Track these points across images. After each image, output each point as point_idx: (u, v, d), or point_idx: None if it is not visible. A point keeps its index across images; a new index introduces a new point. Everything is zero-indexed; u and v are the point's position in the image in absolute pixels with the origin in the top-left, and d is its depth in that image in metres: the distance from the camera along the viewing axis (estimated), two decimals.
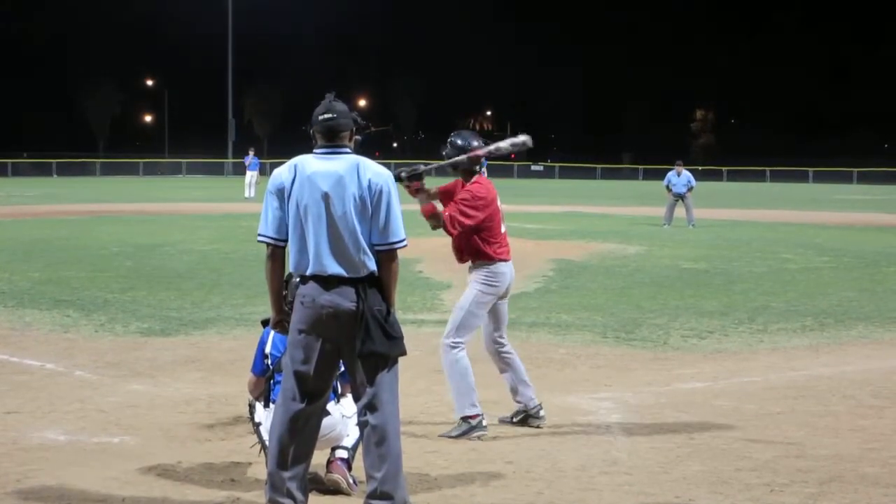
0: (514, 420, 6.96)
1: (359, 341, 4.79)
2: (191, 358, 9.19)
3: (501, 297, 6.88)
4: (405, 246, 4.92)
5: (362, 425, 4.92)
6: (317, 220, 4.84)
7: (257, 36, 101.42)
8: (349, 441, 5.49)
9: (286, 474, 4.87)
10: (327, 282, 4.83)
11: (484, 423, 6.64)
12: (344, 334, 4.83)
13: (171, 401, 7.54)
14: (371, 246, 4.87)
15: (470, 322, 6.77)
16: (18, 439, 6.46)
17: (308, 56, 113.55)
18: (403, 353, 4.91)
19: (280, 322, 5.10)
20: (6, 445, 6.30)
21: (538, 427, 6.87)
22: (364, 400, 4.89)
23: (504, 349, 6.99)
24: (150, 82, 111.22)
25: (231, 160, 77.11)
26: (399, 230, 4.90)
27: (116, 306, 12.07)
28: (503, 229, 6.89)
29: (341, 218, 4.82)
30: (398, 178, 6.38)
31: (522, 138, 6.82)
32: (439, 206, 6.79)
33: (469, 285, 6.84)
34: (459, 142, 6.85)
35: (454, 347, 6.70)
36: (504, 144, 6.86)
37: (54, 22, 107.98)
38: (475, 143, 6.82)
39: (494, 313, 6.92)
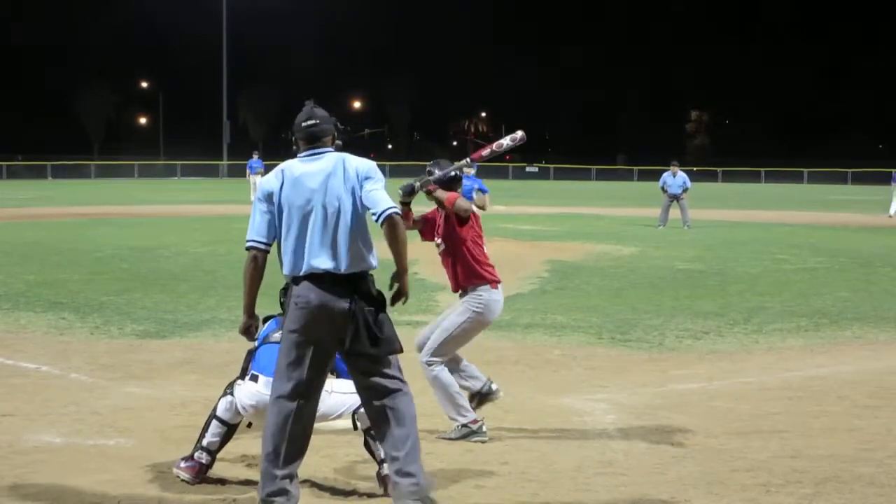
0: (474, 405, 6.77)
1: (349, 340, 4.85)
2: (186, 360, 9.20)
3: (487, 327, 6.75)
4: (398, 212, 4.92)
5: (378, 410, 4.98)
6: (309, 220, 4.91)
7: (252, 38, 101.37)
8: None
9: (279, 472, 4.90)
10: (321, 280, 4.89)
11: (484, 428, 6.61)
12: (336, 333, 4.88)
13: (167, 403, 7.55)
14: (367, 240, 4.94)
15: (451, 346, 6.68)
16: (14, 442, 6.45)
17: (303, 58, 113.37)
18: (395, 351, 4.97)
19: (248, 328, 5.15)
20: (1, 448, 6.30)
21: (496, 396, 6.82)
22: (369, 392, 4.99)
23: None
24: (144, 84, 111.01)
25: (226, 162, 76.98)
26: (388, 199, 4.95)
27: (112, 309, 12.06)
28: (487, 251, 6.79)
29: (333, 215, 4.91)
30: (412, 191, 6.37)
31: (520, 133, 6.73)
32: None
33: (461, 308, 6.66)
34: (437, 171, 6.68)
35: (430, 365, 6.66)
36: (504, 141, 6.77)
37: (49, 23, 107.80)
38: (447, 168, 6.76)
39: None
